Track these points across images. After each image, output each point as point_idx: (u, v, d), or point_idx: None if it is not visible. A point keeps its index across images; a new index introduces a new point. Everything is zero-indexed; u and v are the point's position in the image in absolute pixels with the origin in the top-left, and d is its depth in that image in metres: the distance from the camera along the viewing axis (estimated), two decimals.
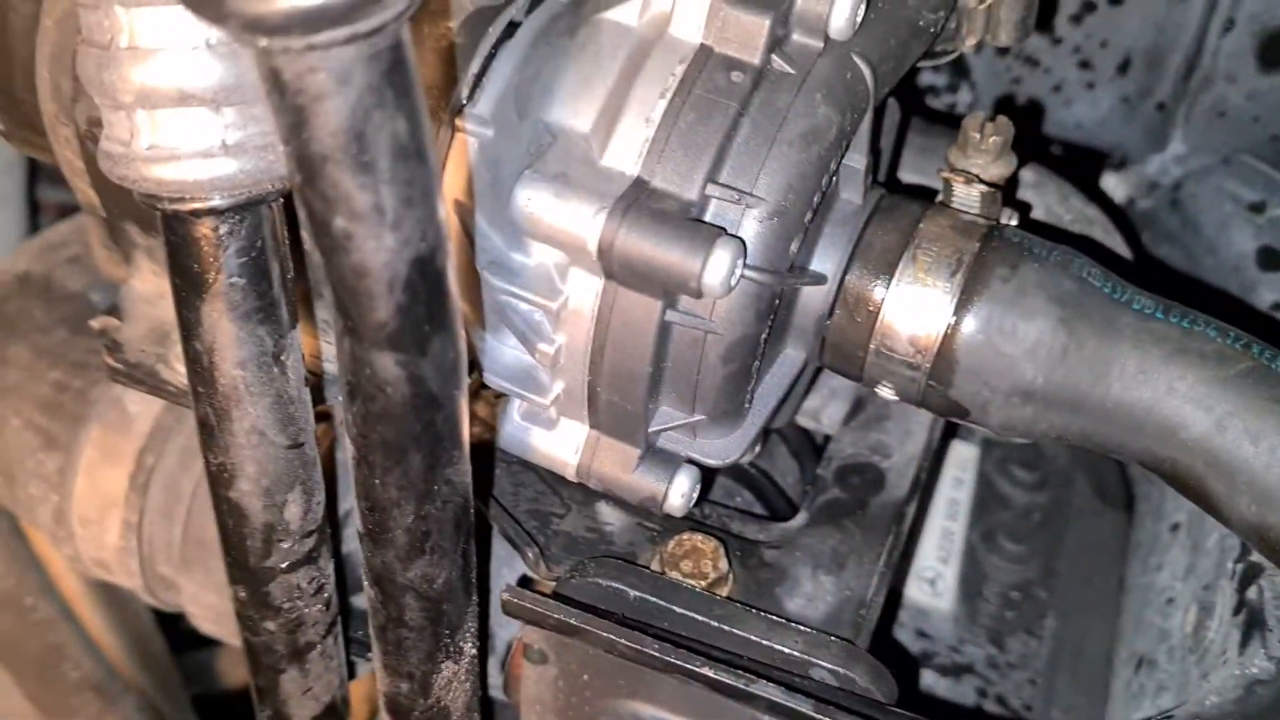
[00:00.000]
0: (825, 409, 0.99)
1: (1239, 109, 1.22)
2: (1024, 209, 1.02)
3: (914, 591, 1.19)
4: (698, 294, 0.71)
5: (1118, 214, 1.17)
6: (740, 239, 0.72)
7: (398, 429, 0.66)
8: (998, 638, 1.18)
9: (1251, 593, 0.89)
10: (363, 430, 0.67)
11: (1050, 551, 1.23)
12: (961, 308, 0.78)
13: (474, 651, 0.77)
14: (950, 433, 1.24)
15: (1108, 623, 1.15)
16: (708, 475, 0.89)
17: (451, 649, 0.75)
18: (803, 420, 1.01)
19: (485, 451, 0.88)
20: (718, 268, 0.69)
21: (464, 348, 0.64)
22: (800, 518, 0.91)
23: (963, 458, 1.28)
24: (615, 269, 0.73)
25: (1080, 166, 1.30)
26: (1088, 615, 1.17)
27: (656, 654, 0.76)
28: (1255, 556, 0.90)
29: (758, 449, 0.90)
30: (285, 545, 0.77)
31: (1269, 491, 0.74)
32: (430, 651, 0.74)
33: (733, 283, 0.71)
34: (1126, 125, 1.27)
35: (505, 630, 0.92)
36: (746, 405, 0.83)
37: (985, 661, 1.17)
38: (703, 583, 0.84)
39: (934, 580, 1.20)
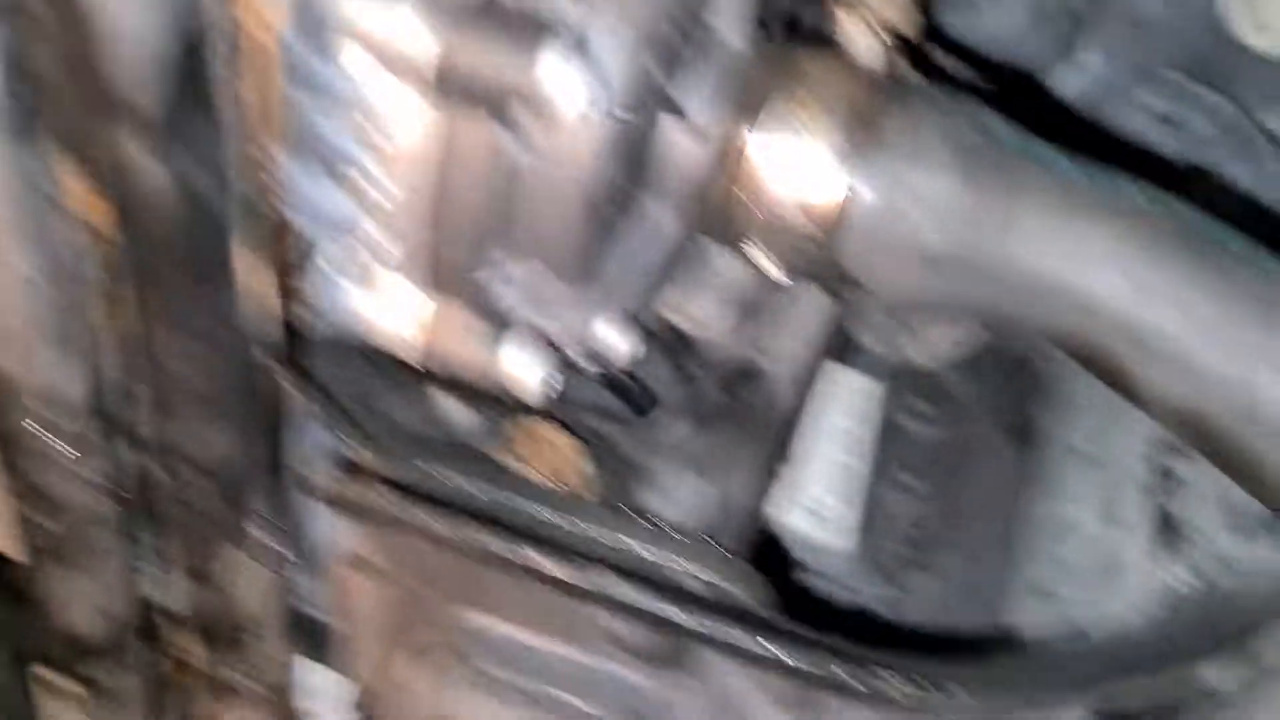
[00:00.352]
0: (700, 302, 0.88)
1: (1155, 18, 1.15)
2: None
3: (806, 525, 1.10)
4: (536, 107, 0.60)
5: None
6: (590, 55, 0.61)
7: (168, 250, 0.54)
8: (895, 576, 1.10)
9: (1167, 503, 0.81)
10: (130, 257, 0.55)
11: (951, 487, 1.16)
12: (854, 162, 0.68)
13: (271, 544, 0.65)
14: (843, 348, 1.14)
15: (1007, 556, 1.08)
16: (570, 370, 0.78)
17: (235, 532, 0.62)
18: (676, 317, 0.90)
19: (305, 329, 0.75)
20: (554, 68, 0.59)
21: (234, 153, 0.52)
22: (672, 418, 0.80)
23: (863, 390, 1.19)
24: (444, 82, 0.62)
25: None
26: (988, 550, 1.10)
27: (494, 551, 0.65)
28: (1169, 463, 0.82)
29: (626, 342, 0.79)
30: (65, 425, 0.64)
31: (1204, 373, 0.65)
32: (208, 534, 0.62)
33: (580, 103, 0.60)
34: (1036, 35, 1.20)
35: (327, 537, 0.80)
36: (609, 275, 0.72)
37: (882, 600, 1.08)
38: (559, 483, 0.73)
39: (825, 515, 1.11)
